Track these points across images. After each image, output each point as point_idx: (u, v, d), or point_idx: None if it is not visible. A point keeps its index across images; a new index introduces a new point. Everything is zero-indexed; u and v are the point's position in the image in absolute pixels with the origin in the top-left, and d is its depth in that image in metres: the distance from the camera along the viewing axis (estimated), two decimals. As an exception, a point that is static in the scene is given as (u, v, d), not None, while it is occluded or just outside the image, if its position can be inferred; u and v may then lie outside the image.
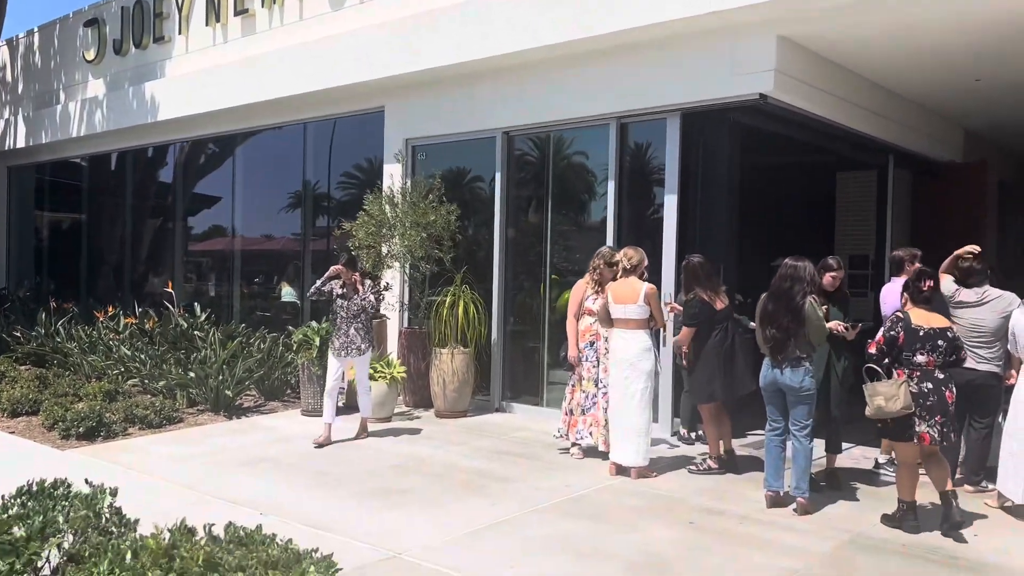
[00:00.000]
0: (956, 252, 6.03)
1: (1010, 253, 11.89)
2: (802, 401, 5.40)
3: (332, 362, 7.46)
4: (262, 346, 9.89)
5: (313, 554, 2.69)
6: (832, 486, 6.00)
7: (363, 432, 7.57)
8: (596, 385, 6.76)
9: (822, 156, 10.07)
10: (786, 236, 10.36)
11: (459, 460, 6.79)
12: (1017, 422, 5.37)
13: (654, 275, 7.40)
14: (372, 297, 7.54)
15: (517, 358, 8.99)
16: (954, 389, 5.15)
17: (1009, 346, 5.60)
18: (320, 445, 7.13)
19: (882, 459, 6.54)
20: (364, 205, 8.88)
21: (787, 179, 11.01)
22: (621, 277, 6.47)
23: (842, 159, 10.31)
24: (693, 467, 6.49)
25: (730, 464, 6.43)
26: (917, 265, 6.04)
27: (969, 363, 5.76)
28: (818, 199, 11.68)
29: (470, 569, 4.44)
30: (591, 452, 6.79)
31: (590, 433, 6.76)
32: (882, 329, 5.20)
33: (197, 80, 11.49)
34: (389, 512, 5.44)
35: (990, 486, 5.94)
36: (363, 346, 7.47)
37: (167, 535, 2.67)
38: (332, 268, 7.48)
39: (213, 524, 2.98)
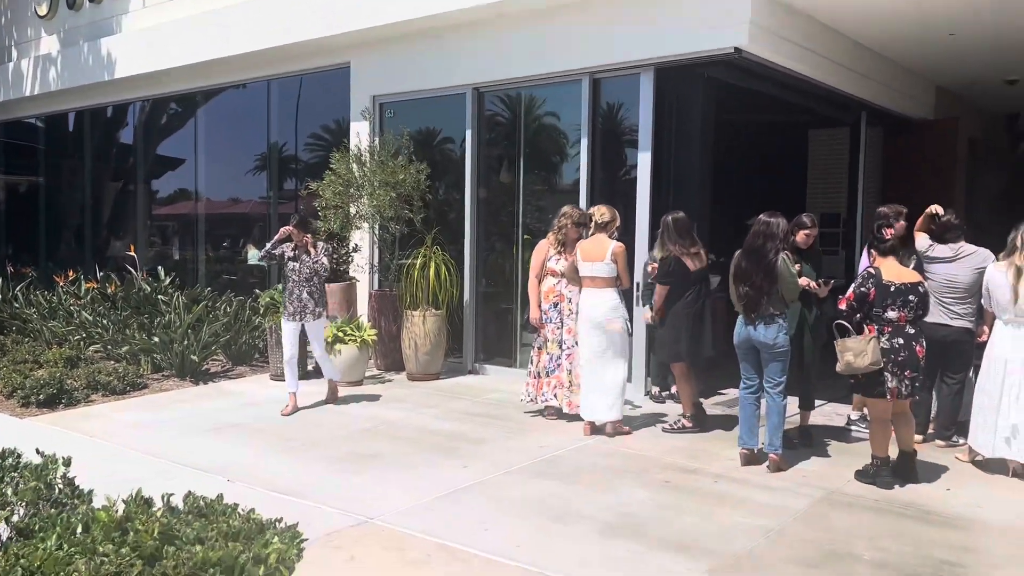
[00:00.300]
0: (928, 210, 5.99)
1: (979, 209, 11.94)
2: (776, 358, 5.35)
3: (287, 329, 7.18)
4: (228, 310, 9.68)
5: (277, 524, 2.58)
6: (805, 443, 5.99)
7: (333, 397, 7.42)
8: (560, 347, 6.67)
9: (795, 114, 9.98)
10: (758, 194, 10.32)
11: (431, 423, 6.70)
12: (989, 377, 5.38)
13: (627, 234, 7.31)
14: (325, 259, 7.23)
15: (490, 319, 8.89)
16: (924, 344, 5.14)
17: (983, 302, 5.58)
18: (287, 415, 6.98)
19: (854, 415, 6.55)
20: (331, 164, 8.64)
21: (760, 137, 10.93)
22: (592, 234, 6.38)
23: (815, 116, 10.23)
24: (667, 426, 6.46)
25: (699, 421, 6.40)
26: (901, 223, 5.98)
27: (943, 319, 5.77)
28: (790, 157, 11.63)
29: (444, 533, 4.37)
30: (564, 413, 6.73)
31: (554, 395, 6.67)
32: (853, 285, 5.14)
33: (155, 35, 11.08)
34: (360, 476, 5.35)
35: (961, 441, 5.98)
36: (317, 310, 7.20)
37: (121, 507, 2.54)
38: (282, 230, 7.19)
39: (172, 494, 2.85)
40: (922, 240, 5.85)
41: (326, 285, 8.56)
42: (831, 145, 11.46)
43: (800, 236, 5.93)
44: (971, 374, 6.00)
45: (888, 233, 5.15)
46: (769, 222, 5.37)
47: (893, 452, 5.25)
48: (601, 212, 6.40)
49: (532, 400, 6.78)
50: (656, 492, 5.02)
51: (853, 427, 6.51)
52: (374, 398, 7.62)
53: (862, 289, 5.06)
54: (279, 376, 8.27)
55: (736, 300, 5.48)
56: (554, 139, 8.57)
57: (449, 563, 4.02)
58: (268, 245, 7.20)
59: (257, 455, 5.83)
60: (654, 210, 7.52)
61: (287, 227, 7.18)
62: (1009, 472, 5.32)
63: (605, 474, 5.37)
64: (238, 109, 11.71)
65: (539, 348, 6.78)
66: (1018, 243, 5.26)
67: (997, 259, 5.47)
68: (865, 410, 6.26)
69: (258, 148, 11.29)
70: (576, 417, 6.53)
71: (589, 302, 6.29)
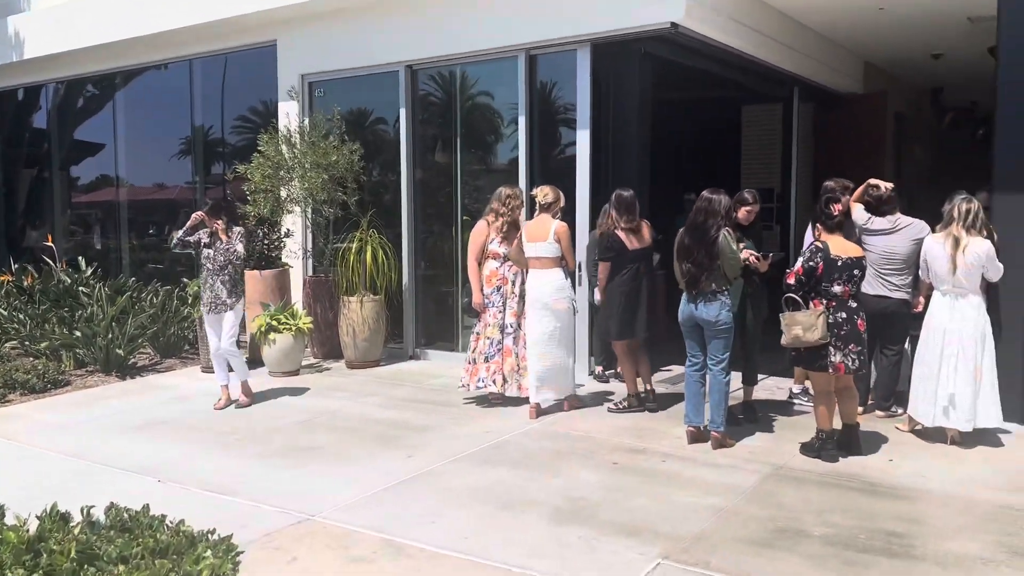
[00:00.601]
0: (867, 181, 6.02)
1: (906, 183, 12.21)
2: (719, 335, 5.32)
3: (207, 320, 6.76)
4: (155, 300, 9.28)
5: (210, 536, 2.38)
6: (750, 418, 6.00)
7: (247, 398, 6.79)
8: (502, 331, 6.54)
9: (730, 90, 9.98)
10: (695, 170, 10.34)
11: (373, 412, 6.51)
12: (928, 348, 5.44)
13: (569, 213, 7.20)
14: (239, 246, 6.70)
15: (430, 303, 8.70)
16: (865, 317, 5.16)
17: (920, 272, 5.64)
18: (220, 409, 6.69)
19: (796, 389, 6.59)
20: (259, 146, 8.30)
21: (697, 113, 10.94)
22: (537, 215, 6.28)
23: (749, 92, 10.25)
24: (612, 406, 6.40)
25: (649, 402, 6.35)
26: (846, 198, 5.98)
27: (882, 291, 5.82)
28: (726, 133, 11.69)
29: (389, 527, 4.21)
30: (508, 398, 6.61)
31: (493, 380, 6.52)
32: (800, 259, 5.13)
33: (65, 13, 10.48)
34: (300, 471, 5.14)
35: (900, 411, 6.07)
36: (230, 300, 6.65)
37: (34, 524, 2.31)
38: (193, 215, 6.77)
39: (92, 507, 2.62)
40: (860, 212, 5.88)
41: (259, 272, 8.30)
42: (765, 121, 11.55)
43: (741, 213, 5.90)
44: (907, 345, 6.09)
45: (836, 209, 5.14)
46: (711, 199, 5.31)
47: (836, 424, 5.27)
48: (544, 192, 6.29)
49: (466, 386, 6.61)
50: (605, 474, 4.95)
51: (795, 401, 6.55)
52: (311, 388, 7.38)
53: (811, 263, 5.05)
54: (211, 368, 7.94)
55: (680, 277, 5.42)
56: (491, 118, 8.39)
57: (395, 559, 3.87)
58: (180, 232, 6.81)
59: (189, 453, 5.57)
60: (594, 188, 7.44)
61: (199, 212, 6.81)
62: (948, 440, 5.41)
63: (553, 458, 5.27)
64: (160, 91, 11.18)
65: (477, 334, 6.63)
66: (955, 214, 5.31)
67: (934, 231, 5.53)
68: (807, 383, 6.31)
69: (183, 131, 10.81)
70: (522, 401, 6.43)
71: (535, 283, 6.19)
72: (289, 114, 8.90)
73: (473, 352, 6.61)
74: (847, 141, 10.35)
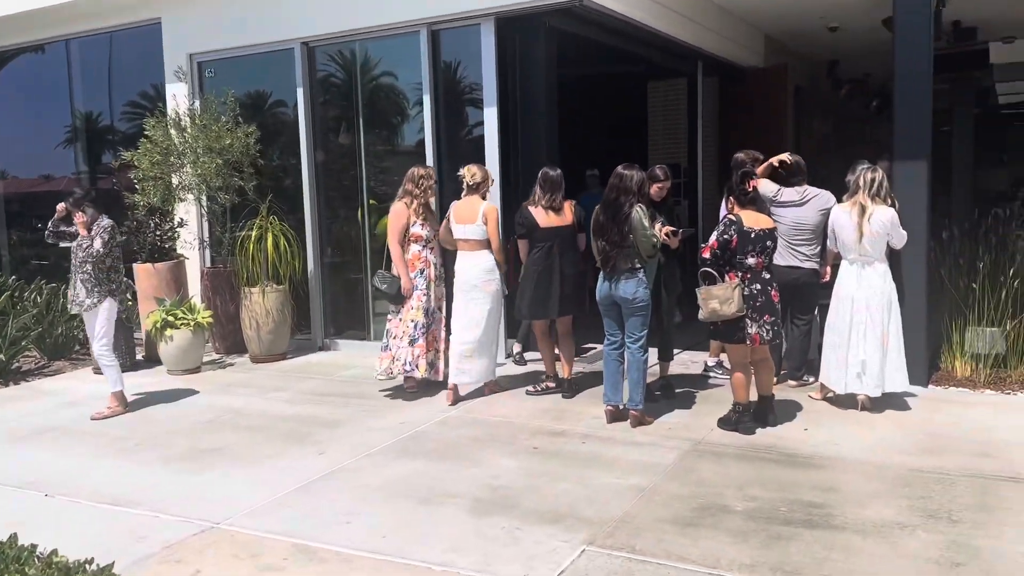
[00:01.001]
0: (772, 159, 6.02)
1: (805, 154, 12.51)
2: (636, 313, 5.25)
3: (85, 320, 6.32)
4: (39, 299, 8.66)
5: (88, 566, 2.12)
6: (667, 395, 5.98)
7: (119, 407, 6.23)
8: (426, 315, 6.33)
9: (635, 65, 9.97)
10: (601, 147, 10.29)
11: (281, 408, 6.21)
12: (838, 316, 5.51)
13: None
14: (98, 243, 6.08)
15: (338, 291, 8.39)
16: (777, 288, 5.18)
17: (828, 242, 5.71)
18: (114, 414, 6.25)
19: (711, 362, 6.62)
20: (145, 130, 7.79)
21: (604, 89, 10.89)
22: (465, 195, 6.08)
23: (654, 67, 10.26)
24: (531, 388, 6.28)
25: (565, 391, 6.21)
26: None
27: (793, 261, 5.86)
28: (632, 109, 11.68)
29: (300, 530, 3.97)
30: (426, 385, 6.42)
31: (416, 365, 6.32)
32: (715, 233, 5.09)
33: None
34: (203, 476, 4.83)
35: (811, 379, 6.16)
36: (89, 300, 6.08)
37: None
38: (58, 207, 6.31)
39: (-50, 539, 2.32)
40: (768, 185, 5.90)
41: (152, 266, 7.83)
42: (670, 96, 11.59)
43: (653, 189, 5.83)
44: (816, 314, 6.18)
45: (751, 185, 5.12)
46: (623, 175, 5.22)
47: (753, 396, 5.29)
48: (472, 173, 6.11)
49: (388, 374, 6.37)
50: (525, 460, 4.82)
51: (711, 374, 6.58)
52: (215, 386, 7.01)
53: (725, 236, 5.02)
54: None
55: (596, 255, 5.33)
56: (395, 97, 8.10)
57: (307, 564, 3.65)
58: (49, 224, 6.32)
59: (81, 461, 5.17)
60: (504, 166, 7.28)
61: (62, 204, 6.32)
62: (859, 407, 5.50)
63: (471, 446, 5.11)
64: (37, 75, 10.40)
65: (394, 318, 6.39)
66: (860, 183, 5.37)
67: (840, 201, 5.58)
68: (722, 356, 6.34)
69: (65, 118, 10.09)
70: (439, 387, 6.25)
71: (463, 265, 6.02)
72: (177, 96, 8.39)
73: (394, 338, 6.35)
74: (750, 115, 10.49)
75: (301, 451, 5.18)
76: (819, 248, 5.92)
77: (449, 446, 5.13)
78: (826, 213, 5.80)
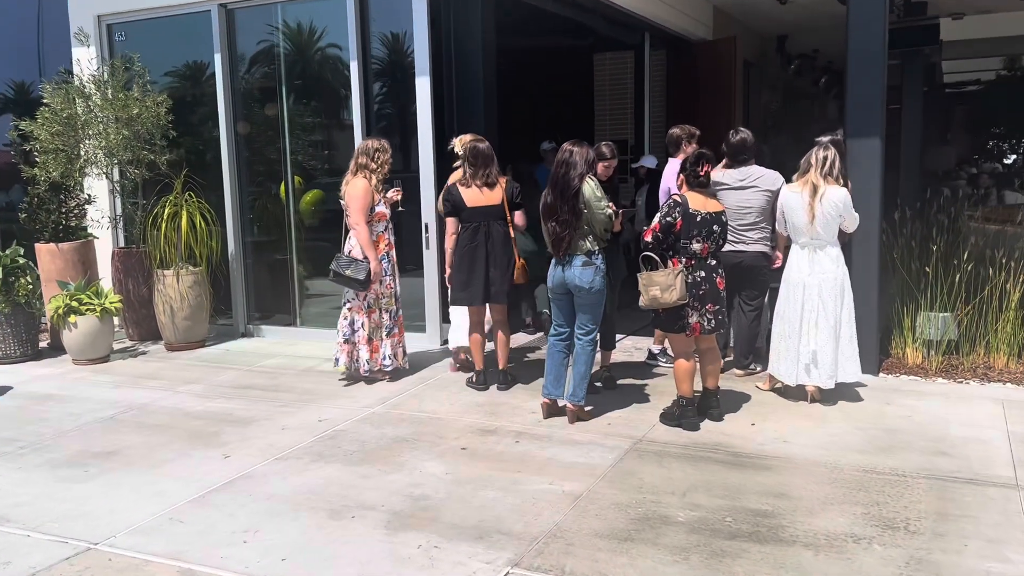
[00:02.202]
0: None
1: (753, 128, 12.26)
2: (590, 303, 4.85)
3: None
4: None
5: None
6: (609, 386, 5.62)
7: None
8: (397, 301, 5.96)
9: (581, 37, 9.54)
10: (546, 122, 9.85)
11: (190, 403, 5.69)
12: (789, 303, 5.19)
13: (410, 168, 6.55)
14: None
15: (262, 273, 7.84)
16: (723, 275, 4.83)
17: (777, 225, 5.37)
18: None
19: (655, 349, 6.28)
20: (43, 98, 7.12)
21: (547, 62, 10.43)
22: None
23: (600, 40, 9.86)
24: (471, 377, 5.85)
25: (501, 384, 5.80)
26: (694, 146, 5.63)
27: (737, 246, 5.52)
28: (577, 82, 11.26)
29: (190, 551, 3.51)
30: (361, 375, 5.98)
31: (395, 355, 5.95)
32: (658, 215, 4.70)
33: None
34: (92, 485, 4.31)
35: (758, 368, 5.86)
36: None
37: None
38: None
39: None
40: (723, 176, 5.53)
41: (57, 246, 7.21)
42: (616, 69, 11.20)
43: (600, 168, 5.42)
44: (766, 300, 5.86)
45: (704, 170, 4.73)
46: (572, 150, 4.78)
47: (697, 387, 4.95)
48: (464, 141, 5.68)
49: (348, 371, 5.98)
50: (452, 463, 4.40)
51: (656, 362, 6.24)
52: (122, 377, 6.44)
53: (668, 219, 4.64)
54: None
55: (547, 239, 4.88)
56: (321, 65, 7.53)
57: (195, 595, 3.19)
58: None
59: (-47, 470, 4.61)
60: (438, 140, 6.79)
61: None
62: (808, 398, 5.20)
63: (395, 447, 4.68)
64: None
65: (357, 306, 5.87)
66: (812, 161, 5.03)
67: (790, 181, 5.24)
68: (667, 343, 5.99)
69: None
70: (363, 380, 5.81)
71: None
72: (82, 61, 7.70)
73: (362, 329, 5.86)
74: (698, 88, 10.15)
75: (205, 454, 4.69)
76: (770, 231, 5.59)
77: (369, 448, 4.68)
78: (773, 195, 5.47)
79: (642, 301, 4.73)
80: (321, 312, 7.62)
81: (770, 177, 5.58)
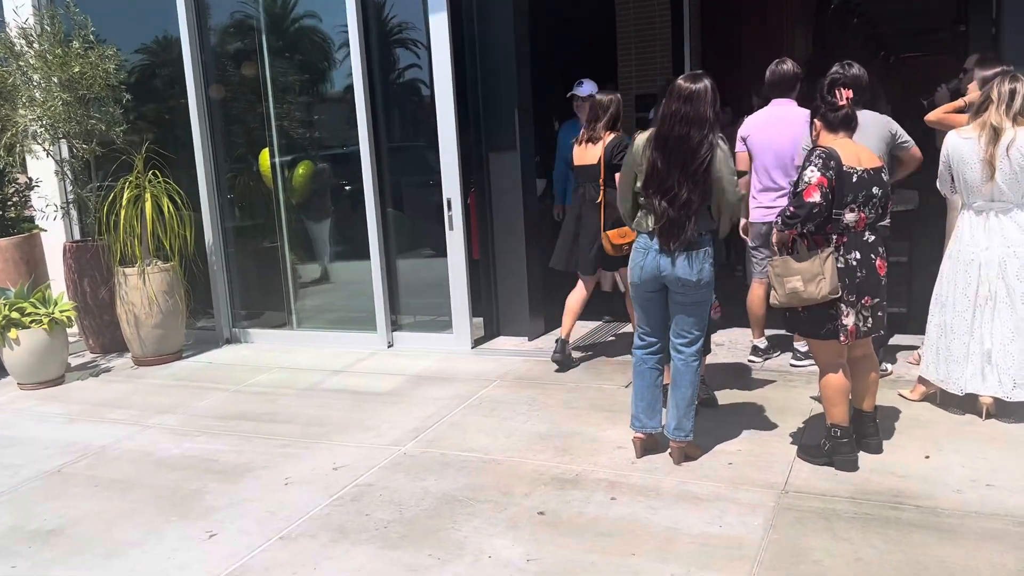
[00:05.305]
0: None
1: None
2: (696, 299, 3.53)
3: None
4: None
5: None
6: (708, 404, 4.31)
7: None
8: None
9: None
10: (566, 77, 8.47)
11: (163, 444, 4.37)
12: (957, 288, 3.89)
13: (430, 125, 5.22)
14: None
15: (248, 266, 6.50)
16: (885, 255, 3.53)
17: (940, 183, 4.03)
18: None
19: (761, 344, 5.00)
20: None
21: (567, 10, 9.01)
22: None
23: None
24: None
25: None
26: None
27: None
28: (600, 31, 9.86)
29: None
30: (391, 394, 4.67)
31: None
32: (810, 171, 3.34)
33: None
34: (15, 595, 3.01)
35: (888, 367, 4.60)
36: None
37: None
38: None
39: None
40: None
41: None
42: (642, 11, 9.80)
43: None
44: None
45: (843, 96, 3.41)
46: (693, 91, 3.38)
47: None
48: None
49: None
50: (531, 540, 3.10)
51: (754, 358, 4.99)
52: (77, 407, 5.11)
53: (831, 174, 3.30)
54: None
55: (646, 219, 3.53)
56: (311, 14, 6.14)
57: None
58: None
59: None
60: (460, 100, 5.47)
61: None
62: (983, 414, 3.92)
63: (444, 512, 3.37)
64: None
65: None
66: (993, 95, 3.70)
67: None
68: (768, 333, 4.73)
69: None
70: (384, 399, 4.50)
71: None
72: (18, 10, 6.23)
73: None
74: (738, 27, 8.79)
75: (182, 531, 3.38)
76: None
77: (409, 515, 3.38)
78: (890, 140, 4.18)
79: (776, 297, 3.43)
80: (320, 308, 6.32)
81: (882, 120, 4.27)
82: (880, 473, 3.44)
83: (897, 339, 4.95)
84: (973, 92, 4.18)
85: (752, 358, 5.01)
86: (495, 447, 3.99)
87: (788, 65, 4.68)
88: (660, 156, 3.39)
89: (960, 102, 4.23)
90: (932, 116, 4.30)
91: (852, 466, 3.48)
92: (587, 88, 5.61)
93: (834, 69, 4.20)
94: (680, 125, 3.35)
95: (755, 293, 4.88)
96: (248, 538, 3.27)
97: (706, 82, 3.37)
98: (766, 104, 4.80)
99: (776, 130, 4.60)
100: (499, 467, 3.76)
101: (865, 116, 4.15)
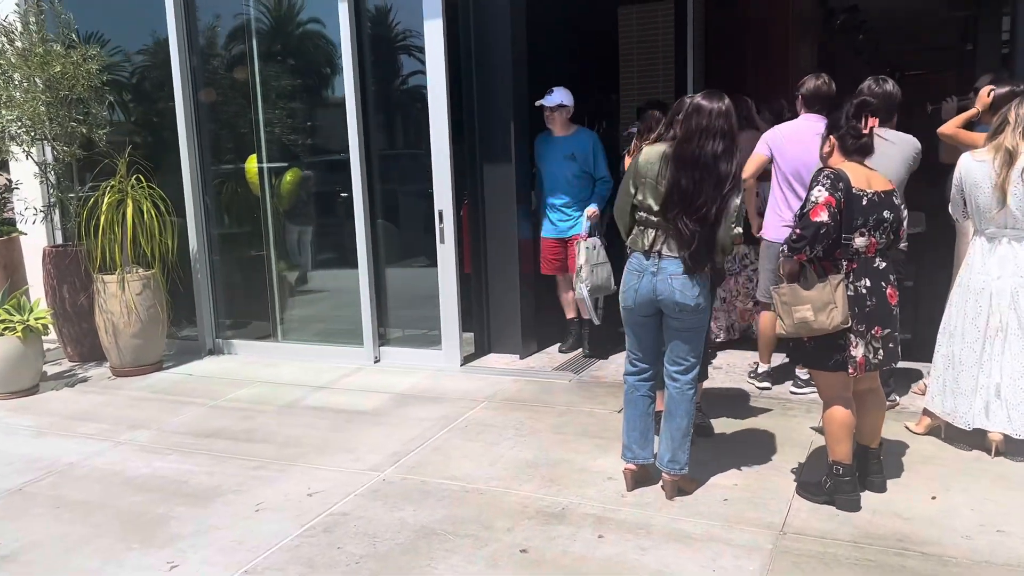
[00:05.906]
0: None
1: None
2: (693, 325, 3.35)
3: None
4: None
5: None
6: (704, 433, 4.12)
7: None
8: None
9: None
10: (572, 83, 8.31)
11: (133, 463, 4.18)
12: (966, 317, 3.72)
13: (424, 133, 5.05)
14: None
15: (233, 275, 6.31)
16: (896, 283, 3.35)
17: (952, 208, 3.88)
18: None
19: (762, 367, 4.81)
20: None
21: (570, 17, 8.86)
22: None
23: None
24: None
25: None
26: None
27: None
28: (602, 42, 9.69)
29: None
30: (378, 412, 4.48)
31: None
32: (817, 190, 3.16)
33: None
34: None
35: (896, 398, 4.42)
36: None
37: None
38: None
39: None
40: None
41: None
42: (646, 22, 9.64)
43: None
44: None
45: (867, 124, 3.22)
46: (723, 108, 3.21)
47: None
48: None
49: None
50: (513, 570, 2.92)
51: (756, 383, 4.81)
52: (48, 419, 4.91)
53: (837, 194, 3.12)
54: None
55: (643, 238, 3.35)
56: (302, 13, 5.97)
57: None
58: None
59: None
60: (453, 106, 5.29)
61: None
62: (992, 451, 3.73)
63: (421, 547, 3.18)
64: None
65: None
66: (1011, 117, 3.52)
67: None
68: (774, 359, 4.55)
69: None
70: (355, 418, 4.31)
71: None
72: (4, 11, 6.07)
73: None
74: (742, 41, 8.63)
75: (141, 560, 3.19)
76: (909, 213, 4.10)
77: (383, 549, 3.18)
78: (913, 165, 4.02)
79: (784, 326, 3.24)
80: (306, 320, 6.13)
81: (909, 142, 4.10)
82: (884, 515, 3.25)
83: (902, 365, 4.75)
84: (983, 99, 4.03)
85: (754, 383, 4.82)
86: (479, 475, 3.80)
87: (832, 86, 4.44)
88: (686, 174, 3.21)
89: (973, 111, 4.07)
90: (946, 129, 4.13)
91: (854, 506, 3.29)
92: (556, 97, 5.38)
93: (866, 84, 4.04)
94: (713, 141, 3.18)
95: (768, 316, 4.67)
96: (211, 569, 3.08)
97: (727, 99, 3.22)
98: (795, 116, 4.59)
99: (813, 145, 4.40)
100: (481, 498, 3.56)
101: (892, 135, 4.00)
